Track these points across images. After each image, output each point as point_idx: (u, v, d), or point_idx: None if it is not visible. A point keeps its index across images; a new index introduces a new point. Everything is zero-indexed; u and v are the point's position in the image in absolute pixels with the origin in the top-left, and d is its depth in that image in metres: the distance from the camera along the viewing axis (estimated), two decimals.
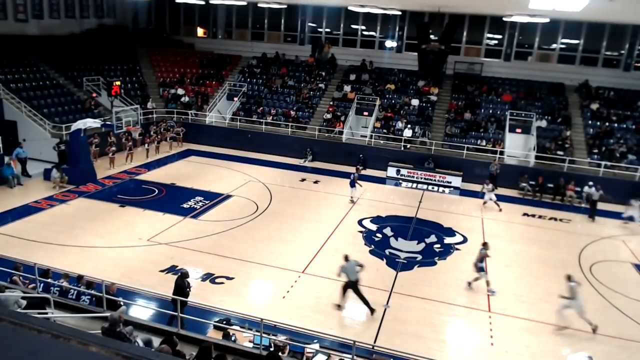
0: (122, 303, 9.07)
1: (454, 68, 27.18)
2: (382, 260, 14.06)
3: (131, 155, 21.78)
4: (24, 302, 7.84)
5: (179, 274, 10.13)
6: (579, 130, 23.90)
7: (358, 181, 19.11)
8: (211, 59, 30.55)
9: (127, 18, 31.98)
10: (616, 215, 19.39)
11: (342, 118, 25.29)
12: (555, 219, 18.64)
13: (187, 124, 25.85)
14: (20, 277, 9.59)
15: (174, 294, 9.46)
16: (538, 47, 27.01)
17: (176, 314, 8.45)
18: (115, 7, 30.58)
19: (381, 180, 22.35)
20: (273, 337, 8.59)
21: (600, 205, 20.06)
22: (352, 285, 11.00)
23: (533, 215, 18.87)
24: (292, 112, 26.05)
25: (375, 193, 20.60)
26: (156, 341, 7.47)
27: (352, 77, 27.85)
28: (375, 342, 9.93)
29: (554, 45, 26.75)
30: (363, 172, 23.10)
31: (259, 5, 27.54)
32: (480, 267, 12.44)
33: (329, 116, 25.51)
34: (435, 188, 21.75)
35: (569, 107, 24.96)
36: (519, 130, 23.72)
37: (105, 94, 24.17)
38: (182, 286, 9.79)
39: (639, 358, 10.37)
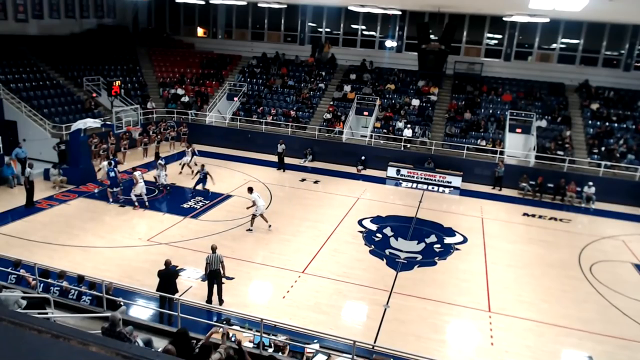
0: (122, 303, 9.07)
1: (454, 68, 27.16)
2: (382, 260, 14.05)
3: (124, 154, 21.72)
4: (24, 302, 7.84)
5: (165, 266, 10.08)
6: (579, 130, 23.89)
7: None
8: (211, 59, 30.55)
9: (127, 18, 31.97)
10: (616, 215, 19.42)
11: (342, 118, 25.29)
12: (555, 219, 18.64)
13: (187, 124, 25.84)
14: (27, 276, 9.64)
15: (163, 285, 9.59)
16: (538, 47, 27.00)
17: (176, 313, 8.46)
18: (115, 7, 30.55)
19: (381, 180, 22.34)
20: (273, 337, 8.59)
21: (601, 205, 20.16)
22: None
23: (533, 215, 18.87)
24: (292, 112, 26.04)
25: (375, 193, 20.61)
26: (156, 341, 7.47)
27: (352, 77, 27.84)
28: (375, 342, 9.92)
29: (554, 45, 26.75)
30: (363, 172, 23.15)
31: (259, 5, 27.53)
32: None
33: (329, 116, 25.50)
34: (435, 188, 21.75)
35: (569, 107, 24.95)
36: (519, 130, 23.72)
37: (105, 94, 24.15)
38: (172, 273, 10.03)
39: (639, 358, 10.36)
